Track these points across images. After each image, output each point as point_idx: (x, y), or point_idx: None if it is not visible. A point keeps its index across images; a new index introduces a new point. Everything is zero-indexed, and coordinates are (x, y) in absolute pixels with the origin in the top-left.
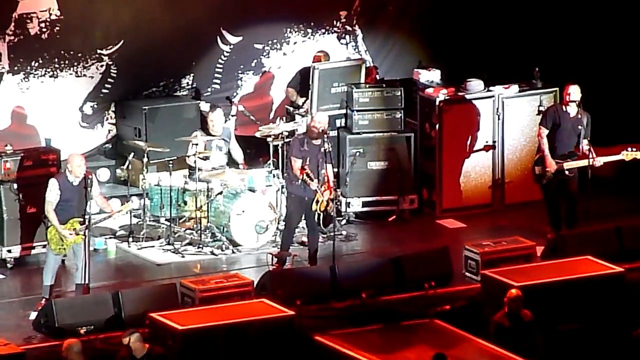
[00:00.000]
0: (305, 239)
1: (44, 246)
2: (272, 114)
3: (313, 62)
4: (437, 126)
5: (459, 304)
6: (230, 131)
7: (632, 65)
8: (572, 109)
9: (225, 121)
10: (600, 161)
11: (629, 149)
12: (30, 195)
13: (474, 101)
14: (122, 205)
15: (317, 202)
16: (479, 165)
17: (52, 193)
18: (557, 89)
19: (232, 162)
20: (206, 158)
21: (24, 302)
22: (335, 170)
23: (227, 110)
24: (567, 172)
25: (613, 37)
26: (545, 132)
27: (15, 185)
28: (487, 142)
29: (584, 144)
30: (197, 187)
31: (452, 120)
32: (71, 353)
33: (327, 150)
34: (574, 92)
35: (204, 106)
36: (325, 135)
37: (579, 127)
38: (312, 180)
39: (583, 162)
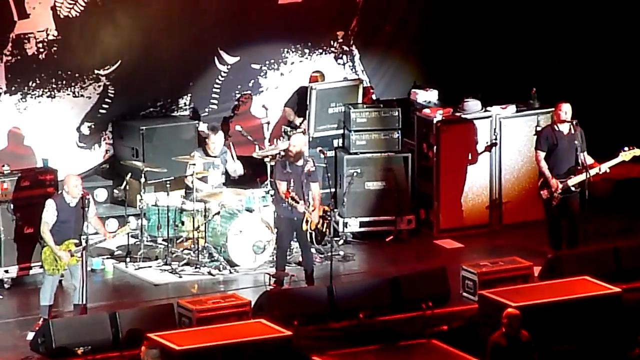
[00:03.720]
0: (301, 259)
1: (41, 266)
2: (266, 134)
3: (310, 83)
4: (434, 146)
5: (457, 324)
6: (225, 148)
7: (625, 80)
8: (565, 127)
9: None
10: (605, 167)
11: (625, 148)
12: (27, 215)
13: (471, 121)
14: (118, 227)
15: (307, 221)
16: (476, 185)
17: (49, 214)
18: (554, 109)
19: (229, 181)
20: (204, 179)
21: (21, 322)
22: (333, 190)
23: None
24: (572, 189)
25: (608, 54)
26: (542, 155)
27: (12, 206)
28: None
29: (583, 158)
30: (194, 208)
31: (450, 140)
32: None
33: (310, 169)
34: (567, 110)
35: (202, 127)
36: (323, 155)
37: (575, 142)
38: (298, 203)
39: (585, 175)
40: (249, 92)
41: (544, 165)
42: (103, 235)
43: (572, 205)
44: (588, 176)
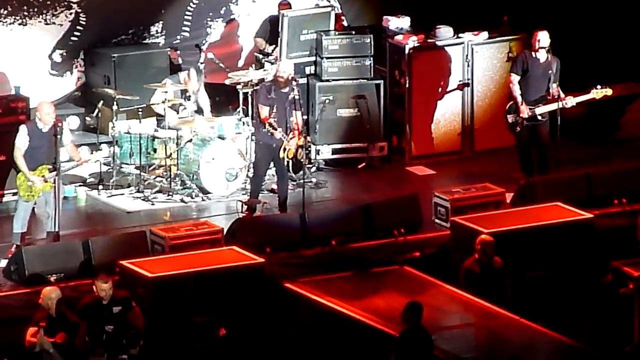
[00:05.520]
0: (275, 186)
1: (15, 194)
2: (241, 61)
3: (280, 10)
4: (406, 73)
5: (429, 250)
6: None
7: (599, 9)
8: (542, 55)
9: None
10: (572, 101)
11: (598, 86)
12: None
13: (443, 48)
14: (91, 153)
15: (285, 149)
16: (448, 112)
17: (22, 139)
18: (525, 35)
19: (199, 111)
20: (174, 106)
21: None
22: (305, 117)
23: (195, 58)
24: (539, 117)
25: None
26: (516, 78)
27: None
28: (460, 80)
29: (554, 88)
30: (166, 135)
31: (422, 67)
32: (50, 300)
33: (295, 98)
34: (543, 38)
35: (183, 75)
36: (294, 82)
37: (549, 72)
38: (276, 130)
39: (555, 105)
40: (234, 17)
41: (516, 90)
42: (77, 160)
43: (541, 133)
44: (559, 106)
